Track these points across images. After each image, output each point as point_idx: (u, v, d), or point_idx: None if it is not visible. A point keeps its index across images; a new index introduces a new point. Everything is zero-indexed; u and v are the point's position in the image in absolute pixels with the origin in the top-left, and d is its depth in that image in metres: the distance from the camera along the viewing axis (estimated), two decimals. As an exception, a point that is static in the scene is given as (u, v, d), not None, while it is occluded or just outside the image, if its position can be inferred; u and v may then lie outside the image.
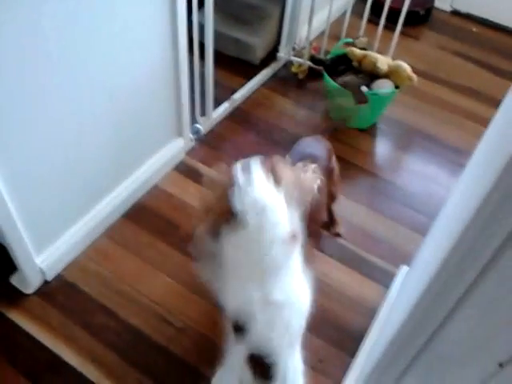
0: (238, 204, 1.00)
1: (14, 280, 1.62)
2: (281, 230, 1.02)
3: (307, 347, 1.52)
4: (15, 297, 1.59)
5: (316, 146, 1.55)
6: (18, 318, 1.55)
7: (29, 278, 1.58)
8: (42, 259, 1.59)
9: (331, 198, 1.68)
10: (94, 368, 1.46)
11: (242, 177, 1.02)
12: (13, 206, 1.39)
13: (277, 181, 1.04)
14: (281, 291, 1.07)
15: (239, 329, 1.12)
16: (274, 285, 1.06)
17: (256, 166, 1.05)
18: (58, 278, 1.65)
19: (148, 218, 1.84)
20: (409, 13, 2.18)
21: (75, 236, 1.67)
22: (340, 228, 1.84)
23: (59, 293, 1.62)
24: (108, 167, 1.70)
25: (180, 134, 2.01)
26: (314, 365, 1.50)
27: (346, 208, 1.94)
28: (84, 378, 1.44)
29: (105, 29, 1.41)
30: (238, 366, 1.20)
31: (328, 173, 1.49)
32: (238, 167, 1.06)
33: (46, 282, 1.63)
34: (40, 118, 1.35)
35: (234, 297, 1.12)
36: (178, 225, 1.79)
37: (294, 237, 1.04)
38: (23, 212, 1.43)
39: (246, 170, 1.04)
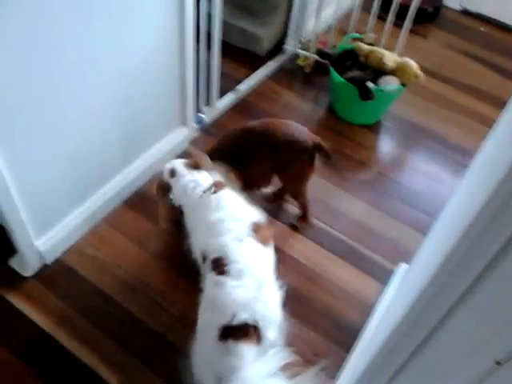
0: (173, 198, 1.46)
1: (14, 263, 1.62)
2: (202, 186, 1.41)
3: (303, 340, 1.54)
4: (14, 279, 1.60)
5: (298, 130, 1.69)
6: (16, 300, 1.55)
7: (28, 261, 1.59)
8: (41, 243, 1.59)
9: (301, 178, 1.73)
10: (91, 353, 1.46)
11: (170, 179, 1.46)
12: (14, 189, 1.39)
13: (198, 167, 1.47)
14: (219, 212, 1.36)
15: (204, 257, 1.35)
16: (214, 213, 1.37)
17: (179, 166, 1.47)
18: (57, 261, 1.65)
19: (148, 205, 1.83)
20: (417, 10, 2.17)
21: (75, 221, 1.67)
22: (309, 219, 1.84)
23: (58, 277, 1.62)
24: (111, 153, 1.70)
25: (184, 122, 2.00)
26: (310, 358, 1.50)
27: (347, 203, 1.94)
28: (80, 362, 1.45)
29: (112, 15, 1.41)
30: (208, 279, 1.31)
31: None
32: (166, 172, 1.48)
33: (44, 266, 1.64)
34: (44, 102, 1.35)
35: (196, 244, 1.42)
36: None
37: (218, 183, 1.42)
38: (24, 195, 1.43)
39: (172, 172, 1.46)
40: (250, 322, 1.20)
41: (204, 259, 1.35)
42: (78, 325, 1.52)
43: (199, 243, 1.39)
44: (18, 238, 1.51)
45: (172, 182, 1.47)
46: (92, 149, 1.61)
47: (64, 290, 1.59)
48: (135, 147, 1.82)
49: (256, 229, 1.34)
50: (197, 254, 1.41)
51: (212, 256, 1.30)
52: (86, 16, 1.33)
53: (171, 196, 1.47)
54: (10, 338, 1.48)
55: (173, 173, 1.47)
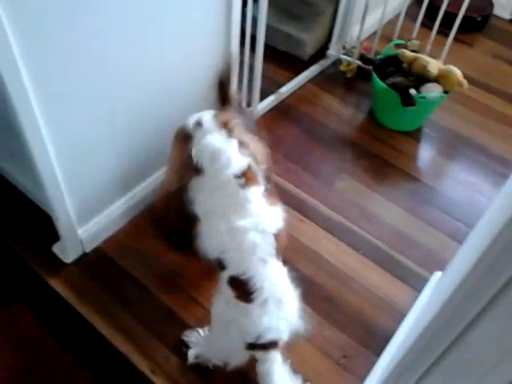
0: (194, 154, 1.21)
1: (56, 249, 1.69)
2: (234, 168, 1.19)
3: (332, 342, 1.54)
4: (55, 265, 1.66)
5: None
6: (56, 284, 1.61)
7: (69, 249, 1.65)
8: (83, 231, 1.65)
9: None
10: (124, 340, 1.51)
11: (195, 130, 1.25)
12: (62, 180, 1.45)
13: (229, 130, 1.23)
14: (243, 218, 1.19)
15: (221, 265, 1.24)
16: (237, 215, 1.19)
17: (207, 118, 1.26)
18: (97, 250, 1.71)
19: (187, 201, 1.88)
20: (465, 18, 2.15)
21: (116, 212, 1.73)
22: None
23: (96, 264, 1.68)
24: (153, 149, 1.74)
25: (225, 122, 2.04)
26: (339, 360, 1.51)
27: (384, 209, 1.93)
28: (113, 348, 1.49)
29: (165, 13, 1.46)
30: (225, 290, 1.25)
31: None
32: (190, 121, 1.28)
33: (84, 254, 1.70)
34: (93, 96, 1.40)
35: (210, 240, 1.25)
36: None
37: (250, 175, 1.21)
38: (71, 186, 1.50)
39: (198, 123, 1.26)
40: (276, 339, 1.24)
41: (221, 266, 1.25)
42: (114, 312, 1.57)
43: (214, 243, 1.25)
44: (62, 225, 1.57)
45: (196, 132, 1.25)
46: (136, 143, 1.66)
47: (101, 278, 1.64)
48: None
49: (277, 240, 1.23)
50: (210, 252, 1.27)
51: (232, 272, 1.21)
52: (139, 16, 1.38)
53: (192, 148, 1.23)
54: (51, 320, 1.54)
55: (198, 123, 1.26)
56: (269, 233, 1.21)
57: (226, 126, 1.24)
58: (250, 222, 1.19)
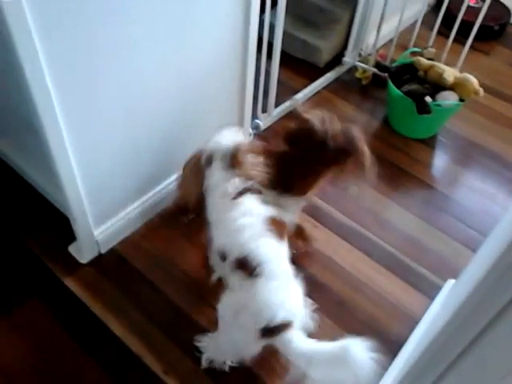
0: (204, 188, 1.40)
1: (72, 249, 1.72)
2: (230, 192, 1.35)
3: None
4: (71, 265, 1.69)
5: None
6: (72, 284, 1.64)
7: (86, 249, 1.67)
8: (99, 232, 1.68)
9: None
10: (138, 341, 1.52)
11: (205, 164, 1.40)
12: (80, 182, 1.48)
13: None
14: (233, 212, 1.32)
15: (223, 257, 1.33)
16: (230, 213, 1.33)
17: (217, 156, 1.40)
18: (112, 251, 1.74)
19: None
20: (481, 27, 2.15)
21: (132, 214, 1.75)
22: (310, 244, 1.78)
23: (111, 265, 1.70)
24: (171, 152, 1.77)
25: (241, 127, 2.06)
26: (350, 365, 1.50)
27: (398, 216, 1.93)
28: (127, 349, 1.51)
29: (184, 18, 1.48)
30: (231, 281, 1.32)
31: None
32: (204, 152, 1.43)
33: (100, 254, 1.72)
34: (110, 101, 1.43)
35: (218, 236, 1.37)
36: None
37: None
38: (89, 188, 1.52)
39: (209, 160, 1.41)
40: (288, 318, 1.24)
41: (223, 258, 1.33)
42: (128, 313, 1.58)
43: (218, 240, 1.37)
44: (79, 226, 1.60)
45: (206, 170, 1.41)
46: (155, 146, 1.68)
47: (116, 279, 1.67)
48: (195, 147, 1.88)
49: (272, 223, 1.32)
50: (215, 251, 1.38)
51: (234, 255, 1.28)
52: (161, 21, 1.41)
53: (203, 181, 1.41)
54: (65, 320, 1.57)
55: (209, 161, 1.41)
56: (258, 216, 1.32)
57: (235, 165, 1.38)
58: (238, 212, 1.32)
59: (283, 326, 1.24)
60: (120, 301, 1.61)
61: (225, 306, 1.32)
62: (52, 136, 1.30)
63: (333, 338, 1.55)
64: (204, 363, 1.45)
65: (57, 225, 1.76)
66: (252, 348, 1.32)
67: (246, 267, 1.25)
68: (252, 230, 1.29)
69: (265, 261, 1.24)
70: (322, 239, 1.82)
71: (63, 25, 1.18)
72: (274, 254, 1.28)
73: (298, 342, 1.25)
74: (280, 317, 1.22)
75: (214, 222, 1.39)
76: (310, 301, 1.53)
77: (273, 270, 1.24)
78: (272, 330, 1.23)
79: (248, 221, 1.30)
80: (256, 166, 1.40)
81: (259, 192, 1.39)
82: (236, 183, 1.36)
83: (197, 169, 1.43)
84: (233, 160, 1.38)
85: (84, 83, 1.32)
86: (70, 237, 1.67)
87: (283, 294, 1.24)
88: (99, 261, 1.71)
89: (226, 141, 1.42)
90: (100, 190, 1.58)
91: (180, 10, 1.45)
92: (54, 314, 1.57)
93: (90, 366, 1.47)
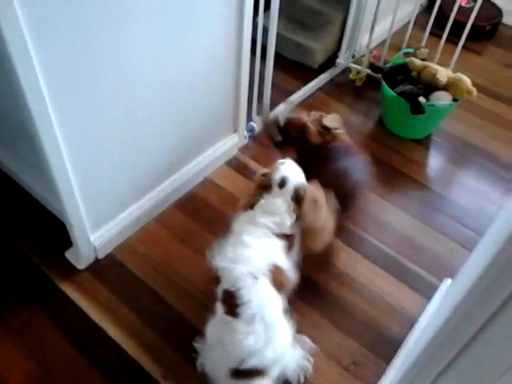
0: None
1: (69, 255, 1.71)
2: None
3: (342, 348, 1.55)
4: (68, 271, 1.68)
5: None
6: (69, 290, 1.63)
7: (82, 255, 1.67)
8: (95, 237, 1.68)
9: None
10: (136, 346, 1.52)
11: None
12: (76, 187, 1.48)
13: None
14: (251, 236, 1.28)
15: (218, 280, 1.28)
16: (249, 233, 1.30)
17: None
18: (109, 256, 1.73)
19: (198, 208, 1.90)
20: (473, 27, 2.16)
21: (128, 218, 1.75)
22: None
23: (109, 271, 1.70)
24: (166, 156, 1.77)
25: (235, 130, 2.06)
26: (348, 367, 1.51)
27: (394, 217, 1.94)
28: (126, 354, 1.50)
29: (178, 22, 1.48)
30: (218, 308, 1.28)
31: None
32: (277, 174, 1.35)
33: (97, 260, 1.72)
34: (106, 105, 1.43)
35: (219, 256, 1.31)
36: (225, 217, 1.84)
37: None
38: (85, 193, 1.52)
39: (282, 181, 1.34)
40: (259, 367, 1.23)
41: (217, 282, 1.28)
42: (125, 318, 1.58)
43: (221, 254, 1.31)
44: (76, 232, 1.59)
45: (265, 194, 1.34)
46: (150, 150, 1.68)
47: (114, 284, 1.66)
48: (189, 151, 1.89)
49: (274, 271, 1.26)
50: (216, 262, 1.32)
51: (224, 285, 1.25)
52: (149, 22, 1.41)
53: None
54: (63, 326, 1.56)
55: (282, 183, 1.33)
56: (268, 259, 1.26)
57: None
58: (255, 243, 1.27)
59: (254, 373, 1.23)
60: (117, 306, 1.61)
61: (207, 330, 1.31)
62: (47, 141, 1.30)
63: (330, 340, 1.57)
64: (198, 367, 1.43)
65: (53, 230, 1.75)
66: (224, 382, 1.30)
67: (230, 303, 1.22)
68: (251, 265, 1.24)
69: (249, 302, 1.20)
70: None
71: (57, 26, 1.17)
72: (263, 299, 1.23)
73: None
74: (250, 363, 1.21)
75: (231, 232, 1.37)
76: (308, 341, 1.50)
77: (256, 315, 1.20)
78: (242, 373, 1.23)
79: (255, 256, 1.25)
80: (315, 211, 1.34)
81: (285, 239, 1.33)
82: (276, 220, 1.31)
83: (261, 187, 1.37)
84: (299, 198, 1.32)
85: (79, 87, 1.32)
86: (67, 242, 1.67)
87: (260, 343, 1.20)
88: (96, 266, 1.71)
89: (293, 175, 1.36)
90: (96, 195, 1.58)
91: (174, 14, 1.45)
92: (52, 320, 1.57)
93: (88, 371, 1.47)
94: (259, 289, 1.22)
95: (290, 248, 1.34)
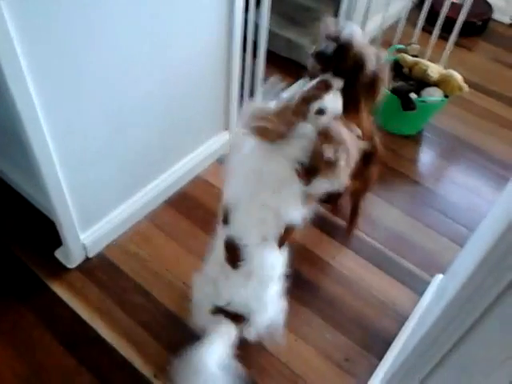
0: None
1: (59, 254, 1.70)
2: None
3: (334, 345, 1.55)
4: (58, 270, 1.67)
5: None
6: (59, 290, 1.62)
7: (72, 254, 1.66)
8: (85, 236, 1.66)
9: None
10: (127, 345, 1.51)
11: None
12: (65, 186, 1.46)
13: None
14: (274, 196, 1.18)
15: (226, 217, 1.23)
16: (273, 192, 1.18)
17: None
18: (99, 255, 1.72)
19: (189, 206, 1.89)
20: (465, 23, 2.16)
21: (118, 217, 1.74)
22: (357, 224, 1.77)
23: (99, 270, 1.68)
24: (157, 154, 1.76)
25: (226, 127, 2.05)
26: (341, 363, 1.51)
27: (385, 213, 1.94)
28: (117, 353, 1.50)
29: (167, 18, 1.47)
30: (218, 248, 1.26)
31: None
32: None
33: (87, 259, 1.71)
34: (94, 103, 1.42)
35: (230, 190, 1.25)
36: (217, 215, 1.83)
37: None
38: (74, 191, 1.51)
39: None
40: (242, 314, 1.26)
41: (225, 219, 1.24)
42: (116, 317, 1.57)
43: (235, 188, 1.24)
44: (65, 231, 1.58)
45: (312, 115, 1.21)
46: (140, 148, 1.67)
47: (104, 283, 1.65)
48: (180, 148, 1.88)
49: (285, 230, 1.23)
50: (228, 194, 1.25)
51: (232, 231, 1.21)
52: (140, 17, 1.39)
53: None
54: (53, 325, 1.55)
55: (321, 111, 1.22)
56: (283, 219, 1.21)
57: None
58: (276, 202, 1.18)
59: (235, 316, 1.26)
60: (108, 305, 1.60)
61: (207, 263, 1.32)
62: (35, 140, 1.29)
63: (322, 336, 1.57)
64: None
65: (43, 229, 1.74)
66: (201, 317, 1.32)
67: (234, 254, 1.21)
68: (267, 229, 1.20)
69: (251, 261, 1.19)
70: (310, 237, 1.82)
71: (43, 26, 1.16)
72: (266, 262, 1.22)
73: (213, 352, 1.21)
74: (236, 307, 1.24)
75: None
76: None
77: (253, 272, 1.21)
78: (224, 312, 1.26)
79: (270, 218, 1.19)
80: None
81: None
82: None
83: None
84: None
85: (67, 87, 1.31)
86: (57, 241, 1.66)
87: (251, 296, 1.23)
88: (86, 265, 1.69)
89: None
90: (85, 193, 1.57)
91: (162, 10, 1.44)
92: (42, 319, 1.56)
93: (79, 370, 1.46)
94: (264, 252, 1.21)
95: (307, 184, 1.21)
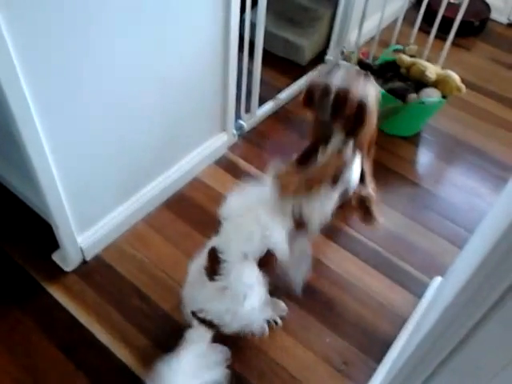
0: None
1: (56, 257, 1.69)
2: None
3: (333, 348, 1.54)
4: (55, 273, 1.66)
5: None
6: (56, 293, 1.61)
7: (69, 257, 1.64)
8: (82, 239, 1.65)
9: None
10: (124, 348, 1.50)
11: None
12: (61, 188, 1.45)
13: None
14: (263, 212, 1.23)
15: (218, 227, 1.29)
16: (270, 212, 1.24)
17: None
18: (96, 258, 1.71)
19: (186, 208, 1.88)
20: (462, 23, 2.15)
21: (116, 219, 1.73)
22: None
23: (96, 273, 1.67)
24: (154, 155, 1.75)
25: (224, 128, 2.04)
26: (339, 366, 1.50)
27: (384, 214, 1.93)
28: (114, 356, 1.49)
29: (163, 18, 1.46)
30: (202, 256, 1.31)
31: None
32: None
33: (84, 262, 1.69)
34: (90, 105, 1.40)
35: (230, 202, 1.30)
36: (214, 217, 1.82)
37: None
38: (70, 194, 1.50)
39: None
40: (215, 322, 1.27)
41: (217, 229, 1.28)
42: (114, 320, 1.56)
43: (233, 203, 1.30)
44: (62, 234, 1.57)
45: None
46: (137, 150, 1.66)
47: (101, 286, 1.64)
48: (177, 150, 1.87)
49: (267, 254, 1.24)
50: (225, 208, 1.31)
51: (217, 242, 1.25)
52: (136, 19, 1.38)
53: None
54: (51, 329, 1.54)
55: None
56: (267, 241, 1.23)
57: None
58: (267, 222, 1.22)
59: (207, 322, 1.27)
60: (105, 308, 1.59)
61: (191, 265, 1.35)
62: (30, 142, 1.28)
63: (321, 339, 1.56)
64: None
65: (40, 232, 1.73)
66: (187, 311, 1.35)
67: (213, 266, 1.24)
68: (249, 247, 1.22)
69: (230, 278, 1.21)
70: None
71: (37, 26, 1.15)
72: (246, 279, 1.23)
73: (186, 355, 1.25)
74: (208, 316, 1.26)
75: None
76: (282, 306, 1.57)
77: (230, 288, 1.22)
78: (197, 317, 1.29)
79: (257, 237, 1.22)
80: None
81: None
82: None
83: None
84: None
85: (62, 88, 1.29)
86: (53, 244, 1.64)
87: (223, 308, 1.24)
88: (84, 268, 1.68)
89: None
90: (82, 196, 1.56)
91: (158, 10, 1.43)
92: (39, 323, 1.54)
93: (77, 374, 1.45)
94: (244, 269, 1.22)
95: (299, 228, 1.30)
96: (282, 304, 1.58)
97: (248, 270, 1.23)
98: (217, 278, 1.23)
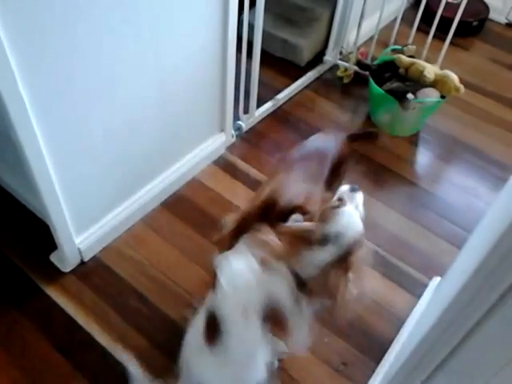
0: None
1: (54, 258, 1.68)
2: None
3: (332, 348, 1.54)
4: (53, 274, 1.65)
5: (327, 140, 1.46)
6: (54, 294, 1.61)
7: (67, 258, 1.64)
8: (80, 240, 1.65)
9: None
10: (123, 349, 1.49)
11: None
12: (59, 189, 1.45)
13: None
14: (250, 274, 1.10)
15: (214, 284, 1.15)
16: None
17: None
18: (95, 259, 1.71)
19: (185, 208, 1.88)
20: (461, 23, 2.15)
21: (114, 220, 1.72)
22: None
23: (94, 274, 1.67)
24: (152, 156, 1.75)
25: (222, 129, 2.04)
26: (337, 367, 1.50)
27: (382, 214, 1.93)
28: (112, 357, 1.48)
29: (161, 20, 1.46)
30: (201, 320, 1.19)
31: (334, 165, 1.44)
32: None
33: (82, 263, 1.69)
34: (88, 103, 1.40)
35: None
36: (213, 217, 1.82)
37: None
38: (68, 194, 1.49)
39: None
40: None
41: (214, 285, 1.15)
42: (112, 321, 1.56)
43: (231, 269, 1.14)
44: (60, 235, 1.57)
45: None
46: (135, 151, 1.66)
47: (99, 287, 1.64)
48: (176, 151, 1.87)
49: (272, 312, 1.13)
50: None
51: (215, 302, 1.14)
52: (133, 20, 1.38)
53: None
54: (48, 330, 1.54)
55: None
56: (258, 297, 1.12)
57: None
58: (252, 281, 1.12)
59: None
60: (103, 309, 1.59)
61: (190, 328, 1.25)
62: (27, 143, 1.28)
63: (319, 340, 1.56)
64: None
65: (37, 233, 1.72)
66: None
67: (212, 329, 1.14)
68: (249, 302, 1.11)
69: (229, 342, 1.11)
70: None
71: (34, 28, 1.15)
72: (245, 346, 1.14)
73: None
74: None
75: None
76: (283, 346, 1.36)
77: (229, 356, 1.13)
78: None
79: (253, 290, 1.11)
80: None
81: None
82: None
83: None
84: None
85: (60, 91, 1.29)
86: (51, 245, 1.64)
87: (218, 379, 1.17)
88: (82, 269, 1.68)
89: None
90: (80, 197, 1.55)
91: (157, 12, 1.43)
92: (37, 324, 1.54)
93: (75, 375, 1.45)
94: (244, 329, 1.12)
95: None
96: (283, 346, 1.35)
97: (252, 333, 1.13)
98: (215, 343, 1.12)
